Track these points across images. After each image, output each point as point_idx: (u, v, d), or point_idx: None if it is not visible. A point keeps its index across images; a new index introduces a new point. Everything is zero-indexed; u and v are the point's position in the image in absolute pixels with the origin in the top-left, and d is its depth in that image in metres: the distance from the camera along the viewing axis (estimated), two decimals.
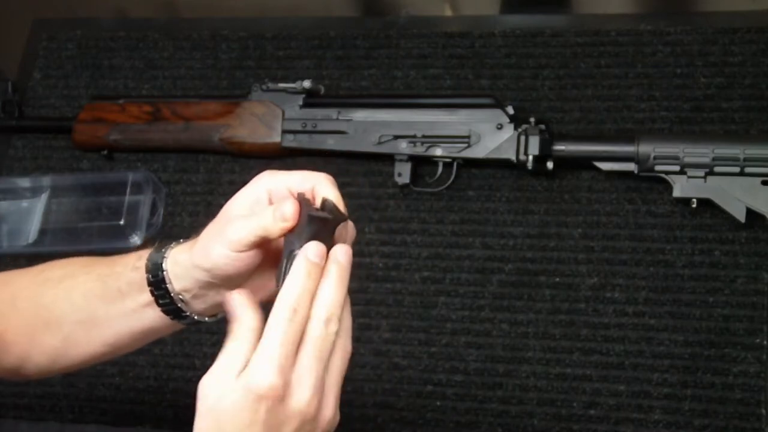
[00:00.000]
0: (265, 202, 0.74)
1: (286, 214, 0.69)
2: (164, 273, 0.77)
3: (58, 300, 0.82)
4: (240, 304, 0.68)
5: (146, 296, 0.78)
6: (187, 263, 0.77)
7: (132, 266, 0.79)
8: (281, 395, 0.63)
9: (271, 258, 0.75)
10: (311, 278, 0.67)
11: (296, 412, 0.65)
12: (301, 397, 0.65)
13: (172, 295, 0.78)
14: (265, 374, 0.63)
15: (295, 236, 0.70)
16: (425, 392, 1.06)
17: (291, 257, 0.68)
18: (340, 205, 0.72)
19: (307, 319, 0.66)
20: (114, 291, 0.80)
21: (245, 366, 0.64)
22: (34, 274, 0.85)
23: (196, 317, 0.79)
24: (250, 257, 0.73)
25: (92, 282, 0.81)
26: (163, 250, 0.79)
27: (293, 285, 0.66)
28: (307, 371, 0.65)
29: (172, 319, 0.79)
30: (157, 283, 0.77)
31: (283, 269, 0.68)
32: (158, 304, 0.78)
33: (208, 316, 0.80)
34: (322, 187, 0.73)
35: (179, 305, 0.78)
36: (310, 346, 0.65)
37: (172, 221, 1.20)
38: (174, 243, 0.79)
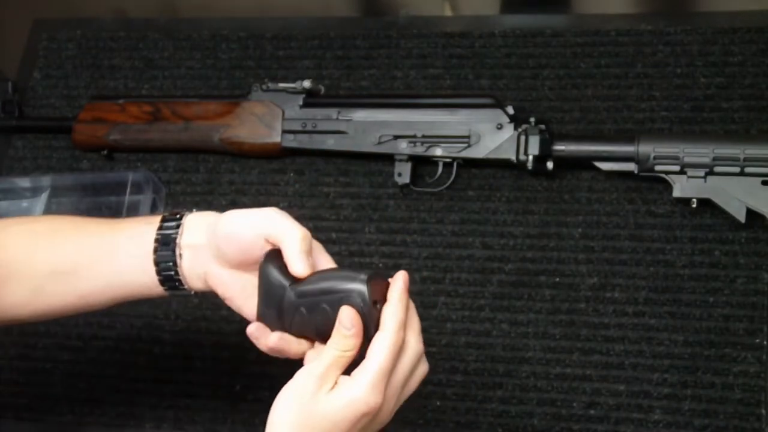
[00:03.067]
0: (261, 246, 0.79)
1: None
2: (176, 247, 0.81)
3: (39, 251, 0.84)
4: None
5: (145, 261, 0.82)
6: (204, 234, 0.81)
7: (145, 221, 0.83)
8: (377, 412, 0.74)
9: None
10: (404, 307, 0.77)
11: (378, 423, 0.76)
12: (386, 412, 0.76)
13: (178, 270, 0.82)
14: (373, 396, 0.73)
15: None
16: (425, 392, 1.06)
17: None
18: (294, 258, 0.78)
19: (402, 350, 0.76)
20: (108, 254, 0.83)
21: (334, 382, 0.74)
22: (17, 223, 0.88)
23: (186, 289, 0.83)
24: (260, 246, 0.79)
25: (87, 238, 0.84)
26: (179, 218, 0.82)
27: (399, 328, 0.75)
28: (395, 394, 0.76)
29: (165, 290, 0.83)
30: (165, 256, 0.82)
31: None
32: (159, 274, 0.82)
33: (197, 291, 0.84)
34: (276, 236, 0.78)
35: (179, 277, 0.82)
36: (401, 375, 0.76)
37: None
38: (184, 216, 0.83)
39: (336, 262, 1.09)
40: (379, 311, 0.76)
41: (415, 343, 0.77)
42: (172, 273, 0.82)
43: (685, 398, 1.00)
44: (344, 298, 0.76)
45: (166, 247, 0.82)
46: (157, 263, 0.82)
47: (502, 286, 1.08)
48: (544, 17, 1.22)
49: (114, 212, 1.19)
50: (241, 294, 0.81)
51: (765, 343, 1.01)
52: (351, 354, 0.75)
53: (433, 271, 1.11)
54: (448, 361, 1.06)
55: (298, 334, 0.79)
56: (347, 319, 0.75)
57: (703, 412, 0.99)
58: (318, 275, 0.79)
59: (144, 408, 1.11)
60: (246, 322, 0.80)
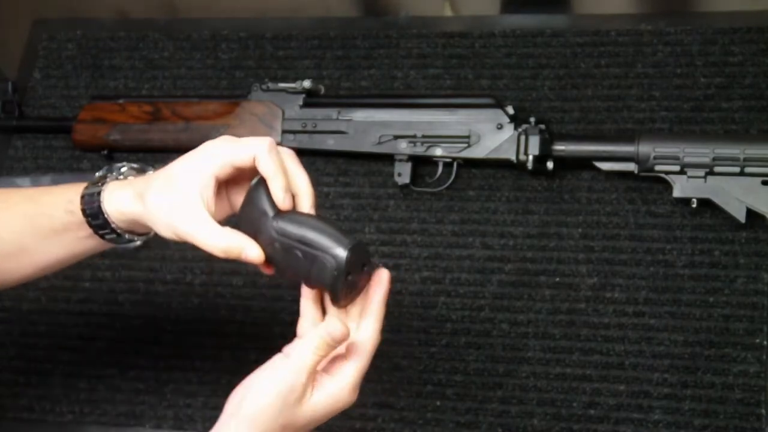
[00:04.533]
0: (213, 188, 0.79)
1: (256, 257, 0.78)
2: (106, 216, 0.82)
3: None
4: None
5: (87, 231, 0.84)
6: (132, 214, 0.82)
7: (64, 209, 0.84)
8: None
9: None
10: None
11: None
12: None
13: (116, 229, 0.83)
14: (354, 395, 0.79)
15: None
16: (425, 392, 1.06)
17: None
18: (276, 184, 0.78)
19: None
20: (46, 229, 0.85)
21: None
22: None
23: (136, 238, 0.86)
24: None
25: (18, 220, 0.86)
26: (97, 192, 0.83)
27: (379, 332, 0.80)
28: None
29: (114, 243, 0.85)
30: (99, 224, 0.83)
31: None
32: (100, 236, 0.84)
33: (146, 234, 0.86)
34: (261, 162, 0.78)
35: (122, 233, 0.84)
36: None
37: None
38: (101, 181, 0.84)
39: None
40: (351, 282, 0.77)
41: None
42: (109, 231, 0.84)
43: (685, 398, 1.00)
44: (319, 257, 0.76)
45: (95, 218, 0.83)
46: (100, 236, 0.84)
47: (502, 286, 1.08)
48: (544, 17, 1.22)
49: None
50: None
51: (765, 343, 1.01)
52: (326, 355, 0.77)
53: (433, 271, 1.11)
54: (448, 361, 1.06)
55: (273, 263, 0.80)
56: (338, 333, 0.76)
57: (703, 412, 0.99)
58: (303, 219, 0.78)
59: (144, 408, 1.11)
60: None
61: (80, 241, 0.85)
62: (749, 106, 1.10)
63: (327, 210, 1.16)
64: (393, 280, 1.10)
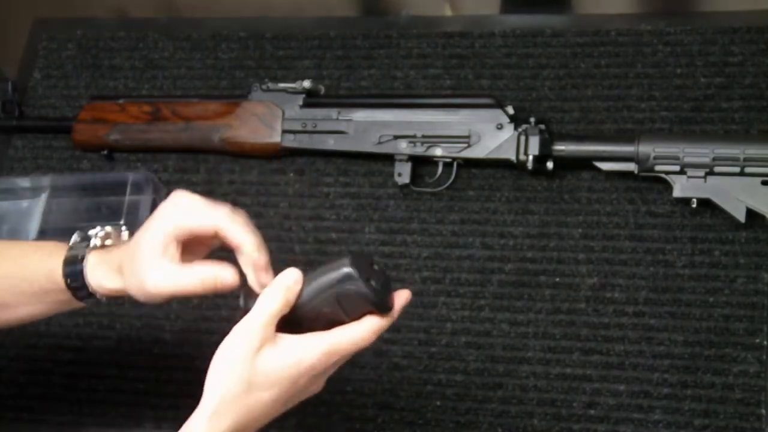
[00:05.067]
0: (174, 248, 0.80)
1: (230, 280, 0.80)
2: (90, 289, 0.85)
3: None
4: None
5: (68, 295, 0.86)
6: (113, 289, 0.84)
7: (45, 278, 0.86)
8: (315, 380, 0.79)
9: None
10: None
11: (311, 392, 0.80)
12: (322, 382, 0.80)
13: (99, 299, 0.86)
14: (322, 361, 0.77)
15: None
16: (425, 392, 1.06)
17: None
18: (247, 243, 0.80)
19: None
20: (27, 292, 0.87)
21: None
22: None
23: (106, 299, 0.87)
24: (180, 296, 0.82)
25: (2, 278, 0.88)
26: (78, 267, 0.85)
27: (384, 326, 0.79)
28: (334, 367, 0.80)
29: (88, 304, 0.87)
30: (83, 296, 0.86)
31: None
32: (78, 299, 0.86)
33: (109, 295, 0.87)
34: (226, 230, 0.80)
35: (98, 297, 0.86)
36: (345, 358, 0.79)
37: None
38: (80, 253, 0.85)
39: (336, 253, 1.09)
40: (374, 288, 0.77)
41: None
42: (85, 293, 0.86)
43: (685, 398, 1.00)
44: (338, 291, 0.76)
45: (77, 289, 0.86)
46: (73, 293, 0.86)
47: (502, 286, 1.08)
48: (544, 17, 1.22)
49: (114, 212, 1.19)
50: None
51: (765, 343, 1.01)
52: (285, 310, 0.77)
53: (433, 271, 1.11)
54: (448, 361, 1.06)
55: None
56: (293, 275, 0.77)
57: (703, 412, 0.99)
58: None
59: (144, 408, 1.11)
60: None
61: (61, 303, 0.88)
62: (749, 106, 1.10)
63: (327, 210, 1.16)
64: (393, 280, 1.11)
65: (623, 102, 1.14)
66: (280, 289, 0.77)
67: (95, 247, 0.86)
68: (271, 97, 1.18)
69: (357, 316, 0.78)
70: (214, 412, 0.76)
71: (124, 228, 0.88)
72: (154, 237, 0.81)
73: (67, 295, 0.86)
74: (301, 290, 0.78)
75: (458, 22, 1.25)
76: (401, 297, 0.79)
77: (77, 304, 0.88)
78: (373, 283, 0.77)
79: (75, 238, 0.87)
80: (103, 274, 0.84)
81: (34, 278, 0.87)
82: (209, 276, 0.80)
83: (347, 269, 0.76)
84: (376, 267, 0.78)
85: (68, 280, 0.85)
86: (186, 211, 0.81)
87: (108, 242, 0.87)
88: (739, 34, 1.14)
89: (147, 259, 0.80)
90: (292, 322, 0.78)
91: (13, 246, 0.93)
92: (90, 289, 0.85)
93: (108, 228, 0.88)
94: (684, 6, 1.25)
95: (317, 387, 0.80)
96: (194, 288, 0.80)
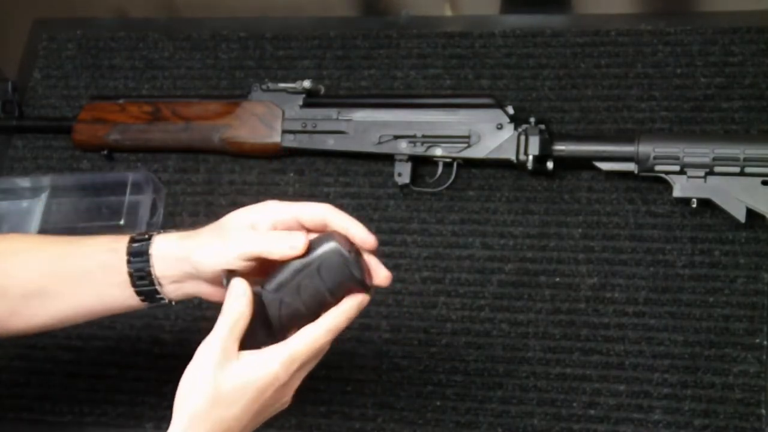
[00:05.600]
0: (267, 227, 0.81)
1: (297, 246, 0.78)
2: (150, 258, 0.82)
3: (9, 271, 0.85)
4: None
5: (120, 277, 0.83)
6: (176, 254, 0.82)
7: (107, 248, 0.84)
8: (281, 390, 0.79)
9: (258, 268, 0.81)
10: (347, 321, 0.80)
11: (281, 405, 0.81)
12: (289, 396, 0.81)
13: (153, 279, 0.83)
14: (284, 373, 0.78)
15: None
16: (425, 392, 1.06)
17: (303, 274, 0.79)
18: (356, 228, 0.80)
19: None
20: (78, 270, 0.84)
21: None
22: None
23: (164, 301, 0.86)
24: (245, 266, 0.80)
25: (46, 260, 0.85)
26: (148, 236, 0.83)
27: (340, 322, 0.79)
28: (299, 378, 0.80)
29: (142, 300, 0.85)
30: (139, 267, 0.83)
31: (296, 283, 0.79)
32: (134, 286, 0.83)
33: (176, 301, 0.86)
34: (332, 217, 0.80)
35: (155, 288, 0.83)
36: (310, 366, 0.80)
37: (172, 221, 1.20)
38: (156, 232, 0.84)
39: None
40: (362, 263, 0.78)
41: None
42: (147, 282, 0.84)
43: (685, 398, 1.00)
44: (322, 263, 0.78)
45: (139, 257, 0.83)
46: (131, 274, 0.83)
47: (502, 286, 1.08)
48: (544, 17, 1.22)
49: (114, 212, 1.19)
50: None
51: (765, 343, 1.01)
52: (244, 319, 0.78)
53: (433, 271, 1.11)
54: (448, 361, 1.06)
55: (291, 325, 0.80)
56: (238, 286, 0.78)
57: (703, 412, 0.99)
58: (281, 264, 0.80)
59: (144, 408, 1.11)
60: None
61: (110, 288, 0.84)
62: (749, 106, 1.10)
63: None
64: (393, 280, 1.11)
65: (623, 102, 1.14)
66: (234, 304, 0.78)
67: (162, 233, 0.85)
68: (271, 97, 1.18)
69: (339, 296, 0.79)
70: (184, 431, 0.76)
71: None
72: (251, 213, 0.81)
73: (121, 276, 0.83)
74: (286, 266, 0.79)
75: (458, 22, 1.25)
76: (379, 275, 0.80)
77: (126, 297, 0.84)
78: (352, 255, 0.78)
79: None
80: (169, 243, 0.83)
81: (93, 251, 0.84)
82: (292, 238, 0.79)
83: (334, 243, 0.78)
84: (354, 248, 0.79)
85: (131, 244, 0.83)
86: (288, 203, 0.82)
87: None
88: (739, 34, 1.14)
89: (236, 226, 0.80)
90: (273, 301, 0.79)
91: (73, 237, 0.90)
92: (150, 261, 0.82)
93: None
94: (684, 6, 1.26)
95: (286, 399, 0.80)
96: (278, 246, 0.79)
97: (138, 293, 0.84)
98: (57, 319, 0.87)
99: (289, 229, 0.81)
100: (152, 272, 0.83)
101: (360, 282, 0.78)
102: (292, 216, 0.81)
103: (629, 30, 1.17)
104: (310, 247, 0.79)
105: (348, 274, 0.78)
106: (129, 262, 0.83)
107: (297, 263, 0.79)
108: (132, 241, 0.84)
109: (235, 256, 0.79)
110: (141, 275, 0.83)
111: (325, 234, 0.80)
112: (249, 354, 0.78)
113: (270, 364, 0.77)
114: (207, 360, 0.77)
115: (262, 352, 0.78)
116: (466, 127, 1.11)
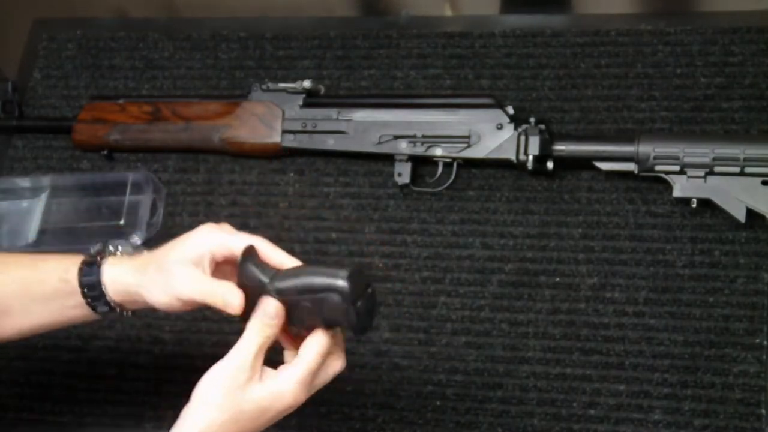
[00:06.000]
0: (208, 261, 0.83)
1: (234, 307, 0.81)
2: (103, 286, 0.85)
3: None
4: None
5: (76, 300, 0.86)
6: (128, 288, 0.85)
7: (58, 278, 0.87)
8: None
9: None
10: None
11: (291, 409, 0.82)
12: (301, 402, 0.82)
13: (108, 301, 0.86)
14: (301, 393, 0.80)
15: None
16: (425, 392, 1.06)
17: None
18: (279, 257, 0.83)
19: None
20: (38, 294, 0.88)
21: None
22: None
23: (127, 314, 0.89)
24: (190, 305, 0.83)
25: (11, 283, 0.88)
26: (96, 266, 0.86)
27: (324, 346, 0.81)
28: (314, 388, 0.82)
29: (98, 315, 0.88)
30: (94, 296, 0.86)
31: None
32: (91, 307, 0.86)
33: (134, 311, 0.89)
34: (266, 250, 0.83)
35: (114, 308, 0.87)
36: (323, 374, 0.82)
37: (172, 221, 1.20)
38: (100, 255, 0.87)
39: (335, 262, 1.10)
40: (363, 308, 0.79)
41: (339, 343, 0.83)
42: (105, 308, 0.86)
43: (685, 398, 1.00)
44: (325, 298, 0.78)
45: (92, 290, 0.86)
46: (88, 303, 0.86)
47: (502, 286, 1.08)
48: (544, 17, 1.22)
49: (114, 212, 1.19)
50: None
51: (765, 343, 1.01)
52: (270, 341, 0.80)
53: (433, 271, 1.11)
54: (448, 361, 1.06)
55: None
56: (272, 309, 0.79)
57: (703, 412, 0.99)
58: (294, 271, 0.80)
59: (144, 408, 1.11)
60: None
61: (66, 310, 0.88)
62: (749, 106, 1.10)
63: (327, 210, 1.16)
64: (393, 280, 1.11)
65: (623, 102, 1.14)
66: (264, 323, 0.80)
67: (113, 254, 0.88)
68: (271, 97, 1.18)
69: (329, 326, 0.80)
70: None
71: (145, 251, 0.89)
72: (192, 247, 0.82)
73: (75, 300, 0.86)
74: (294, 276, 0.80)
75: (458, 22, 1.25)
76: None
77: (82, 314, 0.88)
78: (359, 304, 0.78)
79: (94, 248, 0.89)
80: (119, 272, 0.85)
81: (47, 278, 0.87)
82: (228, 296, 0.81)
83: (343, 283, 0.77)
84: (369, 290, 0.80)
85: (82, 279, 0.86)
86: (227, 232, 0.84)
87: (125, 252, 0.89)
88: (739, 34, 1.14)
89: (179, 262, 0.82)
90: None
91: (28, 254, 0.94)
92: (103, 288, 0.85)
93: (130, 245, 0.91)
94: (684, 6, 1.26)
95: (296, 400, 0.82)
96: (214, 301, 0.81)
97: (98, 313, 0.87)
98: (21, 333, 0.92)
99: (228, 259, 0.83)
100: (108, 298, 0.86)
101: (354, 329, 0.79)
102: (229, 249, 0.83)
103: (629, 30, 1.17)
104: (322, 271, 0.79)
105: (346, 318, 0.79)
106: (83, 294, 0.86)
107: (304, 281, 0.79)
108: (82, 272, 0.86)
109: (177, 301, 0.82)
110: (96, 302, 0.86)
111: (343, 269, 0.79)
112: (271, 372, 0.80)
113: (289, 384, 0.79)
114: (233, 377, 0.79)
115: (280, 373, 0.80)
116: (466, 127, 1.11)
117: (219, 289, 0.81)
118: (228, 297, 0.81)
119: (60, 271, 0.87)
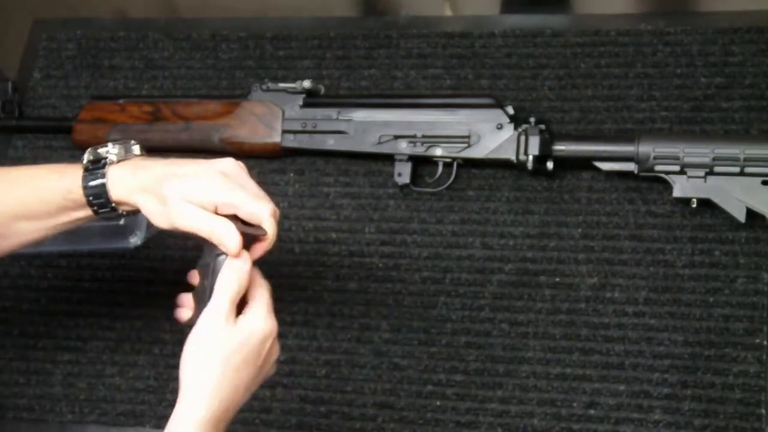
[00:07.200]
0: (210, 208, 0.84)
1: (232, 249, 0.83)
2: (112, 203, 0.87)
3: None
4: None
5: (79, 212, 0.88)
6: (130, 193, 0.86)
7: (63, 197, 0.88)
8: (272, 343, 0.85)
9: None
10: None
11: (264, 375, 0.86)
12: (272, 361, 0.86)
13: (116, 208, 0.88)
14: (270, 321, 0.84)
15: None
16: (425, 392, 1.06)
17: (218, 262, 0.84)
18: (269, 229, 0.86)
19: None
20: (40, 212, 0.89)
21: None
22: None
23: (122, 212, 0.90)
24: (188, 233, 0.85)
25: (11, 203, 0.89)
26: (101, 183, 0.87)
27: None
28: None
29: (106, 219, 0.91)
30: (101, 204, 0.87)
31: (213, 266, 0.84)
32: (97, 214, 0.89)
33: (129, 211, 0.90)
34: (267, 225, 0.85)
35: (114, 207, 0.88)
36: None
37: None
38: (103, 159, 0.88)
39: (335, 262, 1.10)
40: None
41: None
42: (107, 209, 0.88)
43: (685, 398, 1.00)
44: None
45: (98, 198, 0.87)
46: (95, 212, 0.88)
47: (502, 286, 1.08)
48: (544, 17, 1.22)
49: None
50: None
51: (765, 343, 1.01)
52: (240, 292, 0.83)
53: (433, 271, 1.11)
54: (448, 361, 1.06)
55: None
56: (242, 263, 0.83)
57: (703, 412, 0.99)
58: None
59: (144, 408, 1.11)
60: None
61: (65, 223, 0.90)
62: (749, 106, 1.10)
63: (327, 210, 1.16)
64: (393, 280, 1.11)
65: (623, 102, 1.14)
66: (236, 277, 0.83)
67: (113, 163, 0.88)
68: (271, 97, 1.18)
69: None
70: (205, 398, 0.81)
71: (134, 144, 0.90)
72: (199, 194, 0.83)
73: (83, 212, 0.88)
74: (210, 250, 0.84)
75: (458, 22, 1.25)
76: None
77: (86, 216, 0.89)
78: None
79: (87, 156, 0.89)
80: (125, 189, 0.86)
81: (51, 198, 0.88)
82: (223, 232, 0.82)
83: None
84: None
85: (91, 197, 0.87)
86: (240, 190, 0.84)
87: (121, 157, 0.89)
88: (739, 34, 1.14)
89: (181, 199, 0.83)
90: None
91: (23, 170, 0.93)
92: (112, 204, 0.87)
93: (119, 146, 0.90)
94: (684, 6, 1.26)
95: (271, 363, 0.86)
96: (211, 239, 0.83)
97: (99, 214, 0.89)
98: (11, 251, 0.93)
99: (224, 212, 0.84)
100: (111, 202, 0.87)
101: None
102: (235, 209, 0.84)
103: (629, 30, 1.17)
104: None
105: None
106: (89, 203, 0.87)
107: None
108: (86, 183, 0.87)
109: (174, 228, 0.84)
110: (101, 208, 0.88)
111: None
112: (241, 318, 0.83)
113: (261, 320, 0.83)
114: (215, 335, 0.81)
115: (247, 313, 0.83)
116: (466, 127, 1.11)
117: (218, 229, 0.82)
118: (226, 238, 0.82)
119: (63, 191, 0.88)
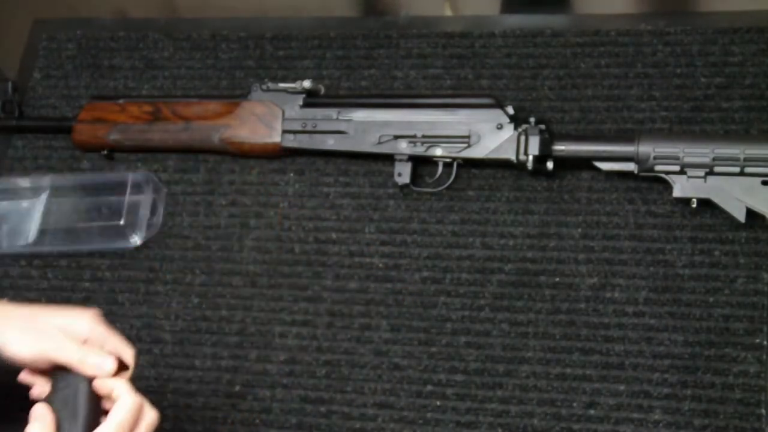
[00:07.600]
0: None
1: (107, 371, 0.88)
2: None
3: None
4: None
5: None
6: None
7: None
8: None
9: None
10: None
11: None
12: None
13: None
14: None
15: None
16: (425, 392, 1.06)
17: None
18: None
19: None
20: None
21: None
22: None
23: None
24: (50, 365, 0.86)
25: None
26: None
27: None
28: None
29: None
30: None
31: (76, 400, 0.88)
32: None
33: None
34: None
35: None
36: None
37: (172, 221, 1.20)
38: None
39: (335, 262, 1.10)
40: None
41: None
42: None
43: (685, 398, 1.00)
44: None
45: None
46: None
47: (502, 286, 1.08)
48: (544, 17, 1.22)
49: (114, 212, 1.19)
50: None
51: (765, 343, 1.01)
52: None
53: (433, 271, 1.11)
54: (448, 361, 1.06)
55: None
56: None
57: (703, 412, 0.99)
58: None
59: None
60: None
61: None
62: (749, 106, 1.10)
63: (327, 210, 1.16)
64: (393, 280, 1.11)
65: (623, 102, 1.14)
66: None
67: None
68: (271, 97, 1.18)
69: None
70: None
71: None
72: (72, 326, 0.87)
73: None
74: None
75: (458, 22, 1.25)
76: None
77: None
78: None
79: None
80: None
81: None
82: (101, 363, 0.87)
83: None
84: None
85: None
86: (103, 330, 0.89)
87: None
88: (739, 34, 1.14)
89: (55, 327, 0.86)
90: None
91: None
92: None
93: None
94: (684, 6, 1.26)
95: None
96: (85, 369, 0.86)
97: None
98: None
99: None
100: None
101: None
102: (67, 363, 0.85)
103: (629, 30, 1.17)
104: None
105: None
106: None
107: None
108: None
109: (43, 360, 0.85)
110: None
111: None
112: None
113: None
114: None
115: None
116: (466, 127, 1.11)
117: (91, 358, 0.86)
118: (102, 364, 0.86)
119: None
